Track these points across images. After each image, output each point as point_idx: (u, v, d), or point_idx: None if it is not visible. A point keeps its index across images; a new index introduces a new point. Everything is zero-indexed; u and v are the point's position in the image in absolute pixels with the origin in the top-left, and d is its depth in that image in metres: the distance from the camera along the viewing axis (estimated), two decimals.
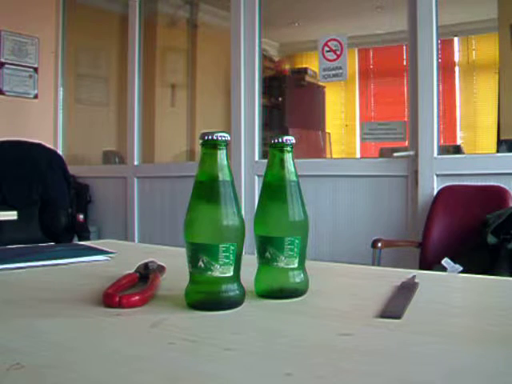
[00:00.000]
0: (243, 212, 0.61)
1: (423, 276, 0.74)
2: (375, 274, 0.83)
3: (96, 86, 4.49)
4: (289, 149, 0.63)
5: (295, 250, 0.61)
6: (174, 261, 0.96)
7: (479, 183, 2.57)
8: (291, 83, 3.68)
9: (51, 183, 3.58)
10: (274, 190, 0.63)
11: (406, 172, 2.84)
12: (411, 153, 2.80)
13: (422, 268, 2.43)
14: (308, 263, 0.65)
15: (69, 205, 3.63)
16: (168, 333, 0.50)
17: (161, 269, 0.75)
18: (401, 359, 0.42)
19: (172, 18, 4.07)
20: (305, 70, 3.83)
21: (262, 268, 0.63)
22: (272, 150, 0.64)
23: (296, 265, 0.62)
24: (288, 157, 0.63)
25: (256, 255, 0.64)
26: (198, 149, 0.62)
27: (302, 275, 0.63)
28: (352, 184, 2.77)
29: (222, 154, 0.58)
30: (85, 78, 4.49)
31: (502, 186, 2.49)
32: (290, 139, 0.63)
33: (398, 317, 0.53)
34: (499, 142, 3.17)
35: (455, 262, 2.28)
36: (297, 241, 0.61)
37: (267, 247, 0.62)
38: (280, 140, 0.63)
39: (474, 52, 4.38)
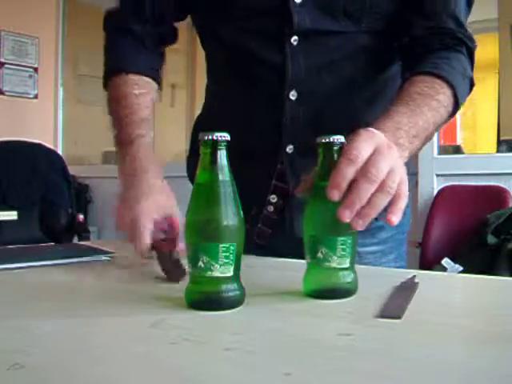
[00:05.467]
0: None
1: (423, 276, 0.74)
2: (375, 274, 0.83)
3: (96, 85, 4.49)
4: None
5: (347, 249, 0.61)
6: None
7: (479, 183, 2.57)
8: None
9: (51, 183, 3.58)
10: (323, 190, 0.62)
11: (406, 172, 2.84)
12: None
13: (422, 268, 2.43)
14: None
15: (69, 205, 3.63)
16: (168, 333, 0.50)
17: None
18: (401, 359, 0.42)
19: None
20: None
21: (313, 268, 0.63)
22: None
23: (348, 265, 0.62)
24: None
25: (306, 255, 0.63)
26: None
27: (352, 275, 0.63)
28: None
29: (221, 154, 0.58)
30: (85, 78, 4.49)
31: (502, 186, 2.49)
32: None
33: (398, 317, 0.53)
34: (499, 142, 3.17)
35: (455, 262, 2.28)
36: (349, 241, 0.61)
37: (319, 247, 0.61)
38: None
39: None
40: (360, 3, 0.87)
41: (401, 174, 0.63)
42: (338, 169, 0.59)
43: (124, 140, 0.90)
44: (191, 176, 1.07)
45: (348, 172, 0.59)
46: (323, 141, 0.62)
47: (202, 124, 1.07)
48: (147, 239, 0.74)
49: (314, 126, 0.89)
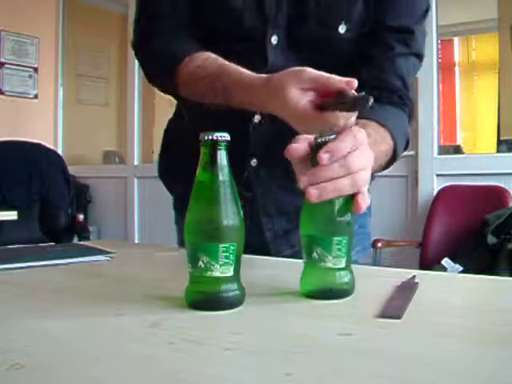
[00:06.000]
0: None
1: (423, 276, 0.74)
2: (375, 274, 0.83)
3: (96, 85, 4.49)
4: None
5: (343, 250, 0.61)
6: (174, 261, 0.96)
7: (479, 183, 2.57)
8: None
9: (51, 183, 3.58)
10: None
11: (406, 172, 2.84)
12: (411, 153, 2.80)
13: (422, 268, 2.43)
14: None
15: (68, 205, 3.64)
16: (168, 333, 0.50)
17: None
18: (401, 359, 0.42)
19: None
20: None
21: (309, 268, 0.63)
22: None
23: (344, 265, 0.62)
24: None
25: (303, 255, 0.63)
26: None
27: (349, 275, 0.63)
28: None
29: (221, 154, 0.58)
30: (85, 78, 4.49)
31: (502, 186, 2.49)
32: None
33: (398, 317, 0.53)
34: (499, 142, 3.17)
35: (455, 262, 2.29)
36: (344, 241, 0.61)
37: (314, 247, 0.61)
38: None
39: (474, 52, 4.38)
40: (324, 52, 0.91)
41: (368, 176, 0.63)
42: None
43: (215, 79, 0.85)
44: (161, 176, 1.16)
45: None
46: (319, 141, 0.62)
47: (174, 130, 1.13)
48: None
49: (277, 143, 0.89)
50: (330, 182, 0.58)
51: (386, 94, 0.92)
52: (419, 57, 0.97)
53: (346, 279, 0.62)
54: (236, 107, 0.84)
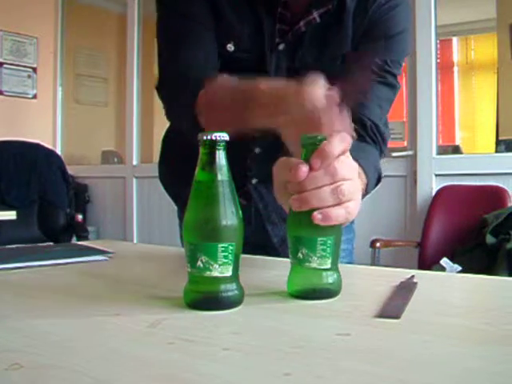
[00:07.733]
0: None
1: (422, 276, 0.74)
2: (374, 273, 0.83)
3: (95, 85, 4.49)
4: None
5: (328, 250, 0.61)
6: (172, 261, 0.96)
7: (478, 183, 2.58)
8: None
9: (50, 183, 3.58)
10: None
11: (405, 172, 2.84)
12: (410, 153, 2.81)
13: (420, 268, 2.43)
14: None
15: (67, 205, 3.63)
16: (167, 333, 0.50)
17: None
18: (400, 359, 0.42)
19: None
20: None
21: (295, 268, 0.63)
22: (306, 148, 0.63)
23: (329, 265, 0.62)
24: None
25: (289, 255, 0.64)
26: None
27: (334, 275, 0.63)
28: None
29: (220, 154, 0.58)
30: (84, 78, 4.49)
31: (501, 185, 2.50)
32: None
33: (397, 317, 0.53)
34: (498, 142, 3.17)
35: (454, 262, 2.29)
36: (329, 241, 0.61)
37: (300, 247, 0.61)
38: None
39: (472, 52, 4.38)
40: None
41: (354, 190, 0.63)
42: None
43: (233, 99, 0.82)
44: (162, 180, 1.20)
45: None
46: (305, 141, 0.62)
47: (173, 141, 1.15)
48: None
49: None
50: (312, 193, 0.60)
51: (358, 128, 0.89)
52: (393, 87, 0.97)
53: (331, 280, 0.62)
54: (252, 127, 0.79)
